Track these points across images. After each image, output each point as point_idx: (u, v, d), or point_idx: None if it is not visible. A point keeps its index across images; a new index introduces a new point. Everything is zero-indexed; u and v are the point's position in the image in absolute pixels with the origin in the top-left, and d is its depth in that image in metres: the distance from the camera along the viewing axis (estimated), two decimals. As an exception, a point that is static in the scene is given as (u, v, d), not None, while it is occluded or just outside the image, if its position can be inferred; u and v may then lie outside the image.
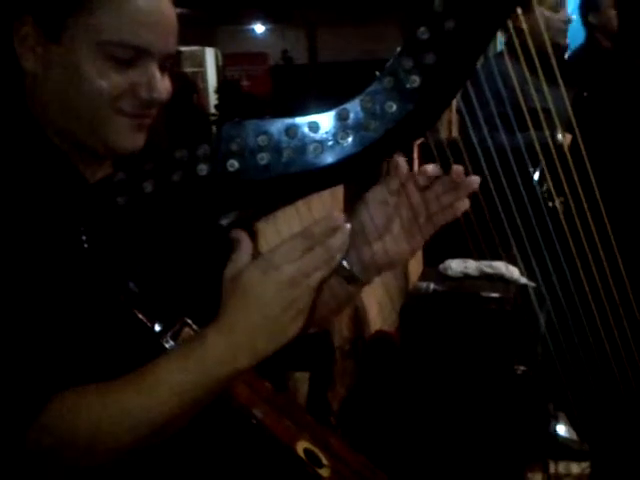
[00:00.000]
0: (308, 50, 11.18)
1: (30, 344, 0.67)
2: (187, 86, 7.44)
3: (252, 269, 0.68)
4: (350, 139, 0.66)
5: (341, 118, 0.66)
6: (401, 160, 0.78)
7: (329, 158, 0.67)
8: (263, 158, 0.66)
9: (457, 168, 0.78)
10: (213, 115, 7.78)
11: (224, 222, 0.69)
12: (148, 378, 0.68)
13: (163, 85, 0.78)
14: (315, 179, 0.68)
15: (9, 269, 0.67)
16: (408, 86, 0.65)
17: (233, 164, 0.66)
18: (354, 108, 0.67)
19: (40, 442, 0.65)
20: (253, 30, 12.18)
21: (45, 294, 0.68)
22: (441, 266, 2.64)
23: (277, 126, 0.66)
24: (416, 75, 0.65)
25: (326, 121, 0.67)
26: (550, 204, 1.72)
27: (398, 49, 0.66)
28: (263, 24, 12.06)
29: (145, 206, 0.67)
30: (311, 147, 0.66)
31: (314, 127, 0.67)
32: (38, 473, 0.67)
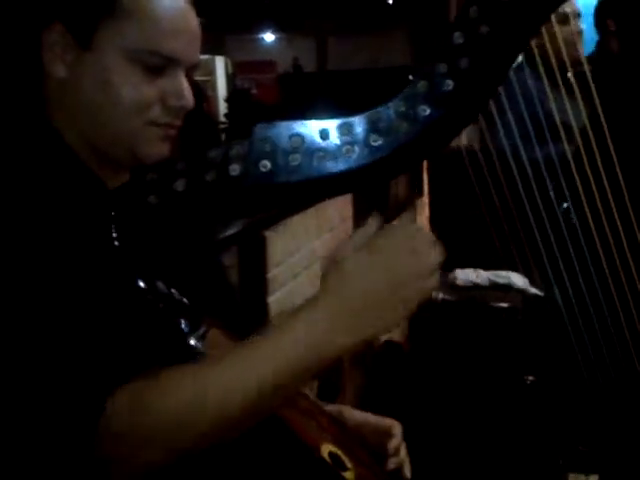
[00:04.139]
0: (317, 58, 11.22)
1: (81, 339, 0.64)
2: (197, 94, 7.46)
3: (357, 252, 0.68)
4: (382, 142, 0.67)
5: (374, 120, 0.67)
6: None
7: (361, 160, 0.67)
8: (296, 159, 0.66)
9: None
10: (223, 123, 7.80)
11: (230, 232, 0.70)
12: (245, 352, 0.66)
13: (190, 94, 0.79)
14: (346, 181, 0.68)
15: (41, 270, 0.67)
16: (442, 90, 0.65)
17: (265, 164, 0.66)
18: (386, 111, 0.67)
19: (117, 429, 0.62)
20: (263, 39, 12.24)
21: (79, 293, 0.68)
22: (450, 275, 2.64)
23: (310, 128, 0.67)
24: (450, 79, 0.65)
25: (359, 123, 0.67)
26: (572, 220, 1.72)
27: (429, 55, 0.66)
28: (273, 33, 12.11)
29: (177, 205, 0.67)
30: (343, 149, 0.67)
31: (346, 129, 0.67)
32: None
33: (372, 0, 8.69)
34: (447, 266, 2.68)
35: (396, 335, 2.83)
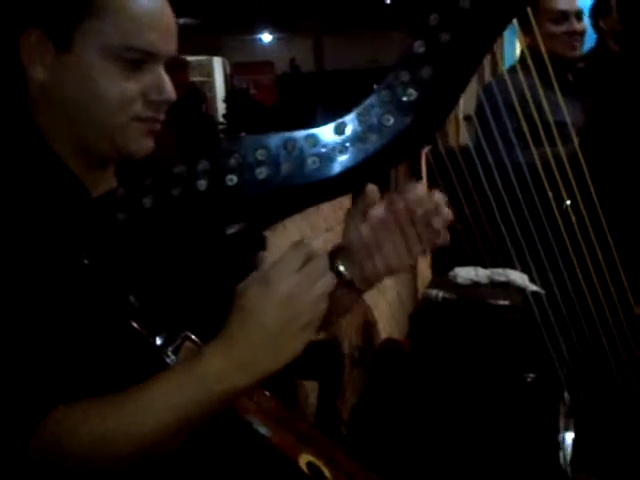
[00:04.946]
0: (315, 58, 11.20)
1: (33, 357, 0.67)
2: (195, 95, 7.47)
3: (252, 286, 0.68)
4: (348, 152, 0.67)
5: (339, 131, 0.67)
6: (370, 188, 0.78)
7: (328, 171, 0.67)
8: (262, 172, 0.66)
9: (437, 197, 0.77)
10: (221, 124, 7.81)
11: (229, 232, 0.70)
12: (144, 394, 0.68)
13: (171, 87, 0.80)
14: (315, 192, 0.69)
15: (10, 283, 0.68)
16: (405, 99, 0.65)
17: (232, 179, 0.66)
18: (352, 121, 0.67)
19: (41, 453, 0.66)
20: (260, 39, 12.23)
21: (46, 310, 0.69)
22: (450, 274, 2.63)
23: (275, 140, 0.67)
24: (413, 88, 0.65)
25: (324, 134, 0.67)
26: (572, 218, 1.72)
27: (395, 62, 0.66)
28: (270, 33, 12.10)
29: (145, 221, 0.67)
30: (309, 160, 0.67)
31: (312, 141, 0.67)
32: None
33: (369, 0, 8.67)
34: (447, 264, 2.68)
35: (397, 334, 2.83)
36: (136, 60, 0.76)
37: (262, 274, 0.68)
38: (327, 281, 0.69)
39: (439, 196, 0.77)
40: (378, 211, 0.77)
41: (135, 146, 0.79)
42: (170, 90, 0.79)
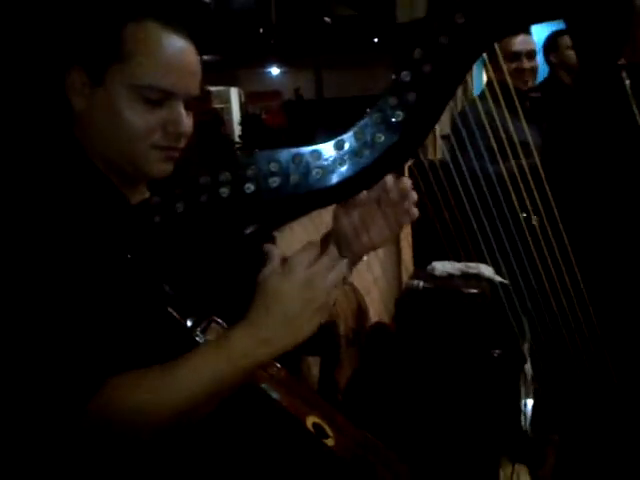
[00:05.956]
0: (315, 88, 11.21)
1: (90, 336, 0.67)
2: (216, 119, 7.48)
3: (274, 275, 0.68)
4: (346, 165, 0.67)
5: (339, 147, 0.67)
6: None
7: (329, 181, 0.67)
8: (274, 181, 0.66)
9: (405, 181, 0.78)
10: (237, 143, 7.81)
11: (247, 231, 0.70)
12: (181, 370, 0.68)
13: (188, 121, 0.80)
14: (318, 198, 0.69)
15: (65, 277, 0.68)
16: (394, 120, 0.65)
17: (249, 187, 0.67)
18: (349, 139, 0.67)
19: (97, 416, 0.65)
20: (270, 72, 12.23)
21: (99, 298, 0.69)
22: (429, 267, 2.63)
23: (286, 155, 0.67)
24: (400, 111, 0.65)
25: (326, 150, 0.67)
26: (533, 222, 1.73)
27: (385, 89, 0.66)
28: (278, 67, 12.11)
29: (177, 223, 0.68)
30: (314, 172, 0.67)
31: (316, 155, 0.67)
32: (90, 446, 0.67)
33: (360, 39, 8.71)
34: (426, 259, 2.69)
35: (385, 318, 2.83)
36: (156, 97, 0.76)
37: (281, 266, 0.68)
38: (339, 270, 0.69)
39: (406, 181, 0.78)
40: (363, 195, 0.78)
41: (154, 169, 0.79)
42: (186, 124, 0.79)
